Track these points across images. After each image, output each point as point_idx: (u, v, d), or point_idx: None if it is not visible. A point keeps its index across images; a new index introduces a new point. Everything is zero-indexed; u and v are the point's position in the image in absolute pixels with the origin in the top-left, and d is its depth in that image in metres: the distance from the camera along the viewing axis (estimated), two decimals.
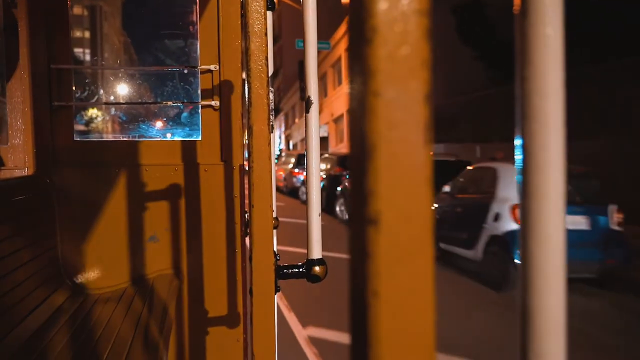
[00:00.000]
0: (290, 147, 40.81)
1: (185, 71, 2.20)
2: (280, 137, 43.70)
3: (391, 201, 0.28)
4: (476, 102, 17.41)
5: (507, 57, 16.17)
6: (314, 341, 4.45)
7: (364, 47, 0.29)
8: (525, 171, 0.34)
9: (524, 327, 0.34)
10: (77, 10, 2.19)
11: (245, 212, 1.95)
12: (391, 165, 0.28)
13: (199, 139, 1.99)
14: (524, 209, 0.34)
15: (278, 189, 18.34)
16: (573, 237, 5.76)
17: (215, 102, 1.96)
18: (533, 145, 0.33)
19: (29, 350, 1.37)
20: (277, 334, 1.31)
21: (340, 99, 25.70)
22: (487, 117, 16.11)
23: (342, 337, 4.50)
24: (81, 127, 2.64)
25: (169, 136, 2.32)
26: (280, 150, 40.56)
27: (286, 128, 43.20)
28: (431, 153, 0.29)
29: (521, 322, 0.34)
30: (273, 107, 1.50)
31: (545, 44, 0.33)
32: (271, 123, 1.34)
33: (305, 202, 1.16)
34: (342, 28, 23.07)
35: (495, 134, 14.51)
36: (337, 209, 12.42)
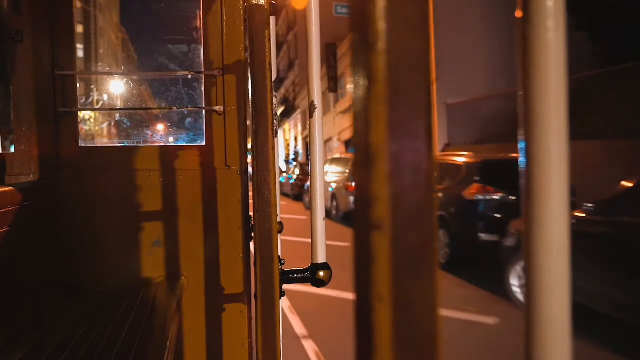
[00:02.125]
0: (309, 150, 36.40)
1: (189, 76, 2.21)
2: (296, 139, 40.16)
3: (395, 206, 0.28)
4: (579, 86, 10.37)
5: (621, 27, 11.50)
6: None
7: (367, 53, 0.29)
8: (527, 175, 0.34)
9: (529, 331, 0.34)
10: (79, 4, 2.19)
11: (250, 216, 1.96)
12: (395, 171, 0.28)
13: (203, 144, 2.00)
14: (528, 213, 0.34)
15: (327, 214, 16.35)
16: None
17: (219, 107, 1.97)
18: (536, 148, 0.34)
19: (32, 356, 1.37)
20: (282, 338, 1.31)
21: None
22: (595, 106, 9.80)
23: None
24: (86, 133, 2.66)
25: (171, 140, 2.33)
26: (296, 154, 37.98)
27: (304, 129, 36.54)
28: (435, 157, 0.29)
29: (526, 326, 0.34)
30: (276, 112, 1.50)
31: (548, 48, 0.33)
32: (275, 128, 1.35)
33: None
34: None
35: (609, 128, 9.44)
36: (512, 282, 5.36)
